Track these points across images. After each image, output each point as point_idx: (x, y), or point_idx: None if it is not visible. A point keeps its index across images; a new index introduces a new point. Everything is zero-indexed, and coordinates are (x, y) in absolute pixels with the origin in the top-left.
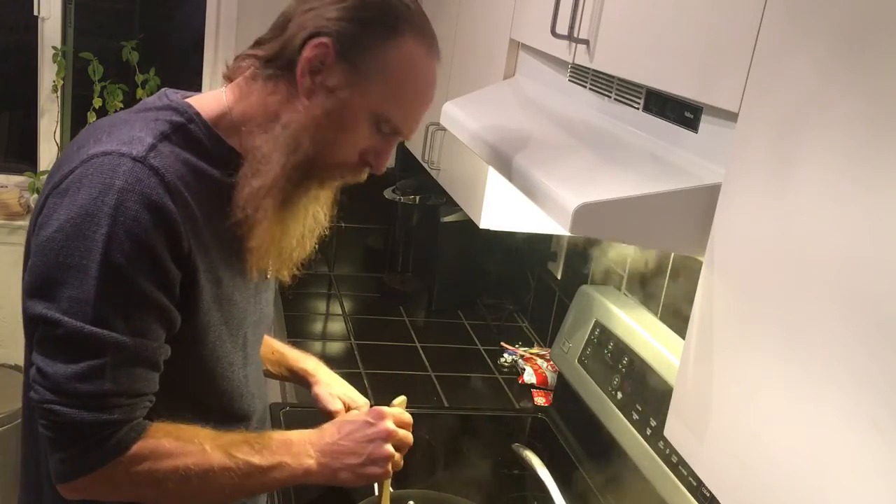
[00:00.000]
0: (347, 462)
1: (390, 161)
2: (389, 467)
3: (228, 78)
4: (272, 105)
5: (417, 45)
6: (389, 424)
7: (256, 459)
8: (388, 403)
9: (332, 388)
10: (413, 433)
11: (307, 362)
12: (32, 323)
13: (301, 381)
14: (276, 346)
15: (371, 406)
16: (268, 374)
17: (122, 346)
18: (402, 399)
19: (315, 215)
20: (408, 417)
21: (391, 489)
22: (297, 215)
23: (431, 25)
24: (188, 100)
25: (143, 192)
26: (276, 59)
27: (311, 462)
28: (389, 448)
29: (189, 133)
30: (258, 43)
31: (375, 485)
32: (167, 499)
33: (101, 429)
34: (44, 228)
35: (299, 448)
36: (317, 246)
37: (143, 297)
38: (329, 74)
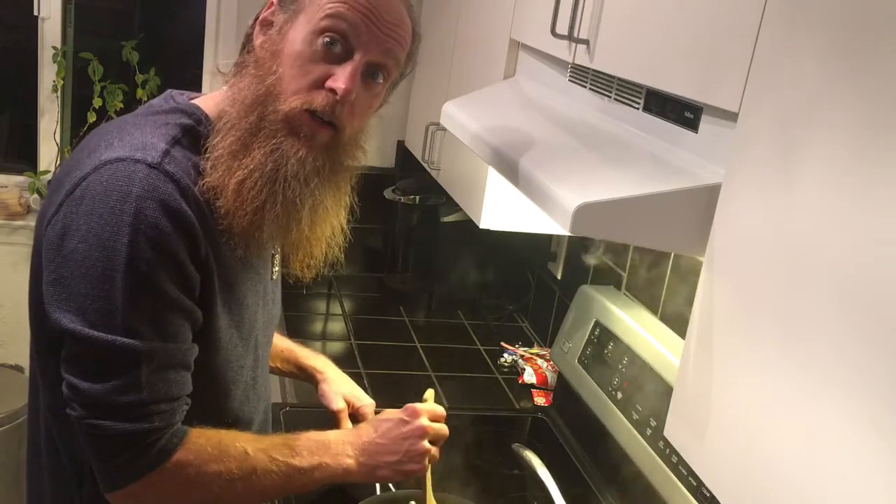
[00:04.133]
0: (386, 460)
1: (390, 160)
2: (427, 462)
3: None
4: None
5: None
6: (424, 421)
7: (297, 461)
8: (390, 404)
9: (339, 386)
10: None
11: (316, 360)
12: (59, 337)
13: (309, 378)
14: (285, 344)
15: (375, 406)
16: (276, 370)
17: (155, 354)
18: (430, 392)
19: (339, 219)
20: (440, 410)
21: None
22: (322, 214)
23: None
24: (194, 101)
25: (161, 198)
26: (244, 46)
27: (350, 462)
28: (426, 444)
29: (199, 135)
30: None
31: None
32: (213, 503)
33: (144, 437)
34: (64, 239)
35: (338, 448)
36: (342, 251)
37: (169, 301)
38: (276, 21)
